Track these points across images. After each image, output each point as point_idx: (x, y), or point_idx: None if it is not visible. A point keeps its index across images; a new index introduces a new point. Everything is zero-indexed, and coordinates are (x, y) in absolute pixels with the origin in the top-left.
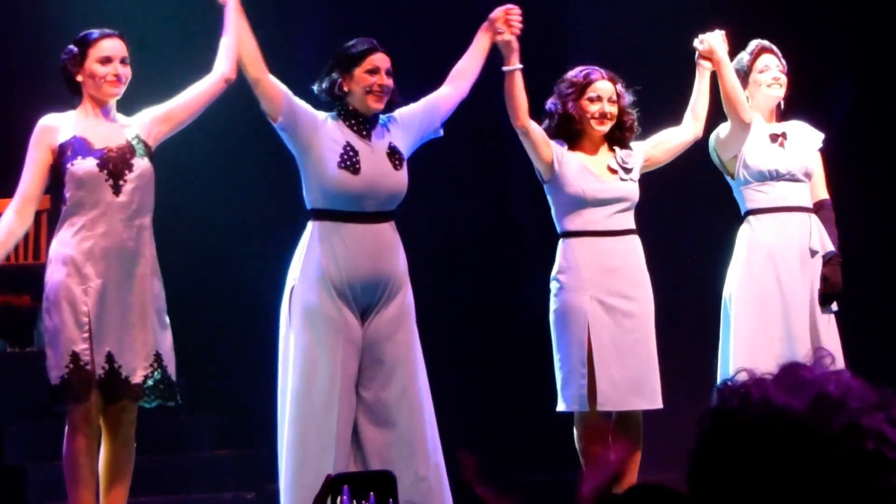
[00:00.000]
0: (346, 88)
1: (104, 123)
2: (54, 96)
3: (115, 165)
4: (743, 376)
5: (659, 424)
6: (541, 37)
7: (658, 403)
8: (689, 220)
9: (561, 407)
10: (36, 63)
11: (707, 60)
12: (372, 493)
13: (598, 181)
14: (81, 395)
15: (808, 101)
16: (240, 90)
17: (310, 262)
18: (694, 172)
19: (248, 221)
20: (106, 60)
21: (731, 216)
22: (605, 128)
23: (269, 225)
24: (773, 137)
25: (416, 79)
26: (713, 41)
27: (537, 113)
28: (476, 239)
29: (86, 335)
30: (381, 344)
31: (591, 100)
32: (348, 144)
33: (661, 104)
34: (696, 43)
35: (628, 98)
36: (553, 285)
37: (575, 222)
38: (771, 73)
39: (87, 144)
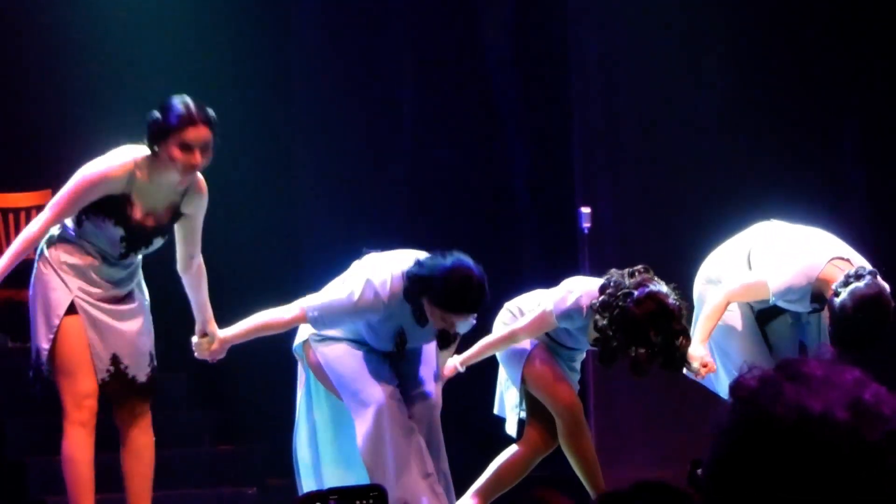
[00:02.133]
0: (425, 309)
1: (159, 186)
2: (70, 94)
3: (137, 240)
4: (756, 374)
5: (655, 427)
6: (542, 47)
7: None
8: (691, 222)
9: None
10: (53, 61)
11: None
12: None
13: (588, 345)
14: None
15: (816, 145)
16: (240, 96)
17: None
18: (694, 170)
19: (246, 217)
20: (186, 148)
21: (736, 215)
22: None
23: (268, 221)
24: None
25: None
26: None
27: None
28: (473, 241)
29: (51, 336)
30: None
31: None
32: (401, 332)
33: (660, 109)
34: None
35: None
36: (508, 317)
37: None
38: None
39: (128, 211)
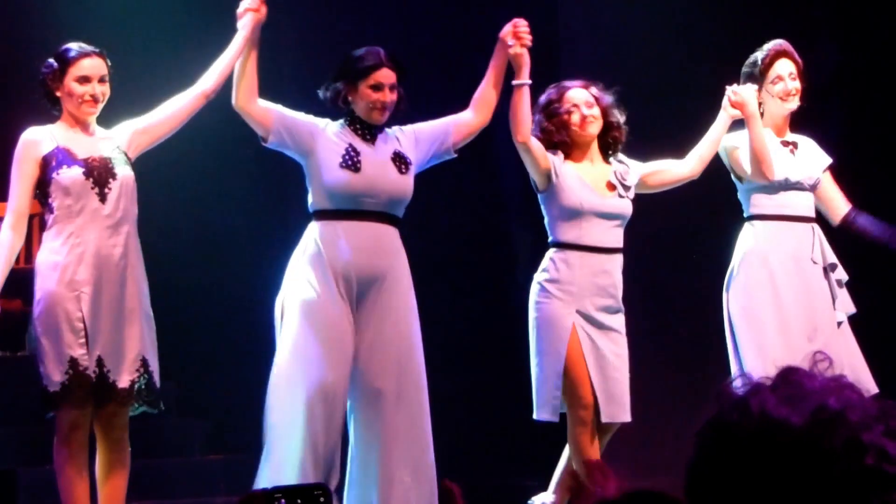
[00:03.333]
0: (350, 99)
1: (84, 136)
2: (38, 107)
3: (99, 174)
4: (740, 383)
5: (652, 432)
6: (534, 46)
7: (629, 416)
8: (690, 224)
9: (536, 415)
10: (20, 73)
11: (735, 108)
12: None
13: (597, 195)
14: (81, 401)
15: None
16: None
17: (309, 259)
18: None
19: (239, 225)
20: (84, 80)
21: (733, 220)
22: (594, 129)
23: (261, 229)
24: (785, 144)
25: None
26: (746, 95)
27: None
28: (466, 245)
29: (82, 340)
30: (378, 338)
31: (569, 112)
32: (350, 146)
33: (656, 108)
34: (728, 92)
35: (608, 99)
36: (538, 291)
37: (570, 234)
38: (784, 85)
39: (70, 154)
